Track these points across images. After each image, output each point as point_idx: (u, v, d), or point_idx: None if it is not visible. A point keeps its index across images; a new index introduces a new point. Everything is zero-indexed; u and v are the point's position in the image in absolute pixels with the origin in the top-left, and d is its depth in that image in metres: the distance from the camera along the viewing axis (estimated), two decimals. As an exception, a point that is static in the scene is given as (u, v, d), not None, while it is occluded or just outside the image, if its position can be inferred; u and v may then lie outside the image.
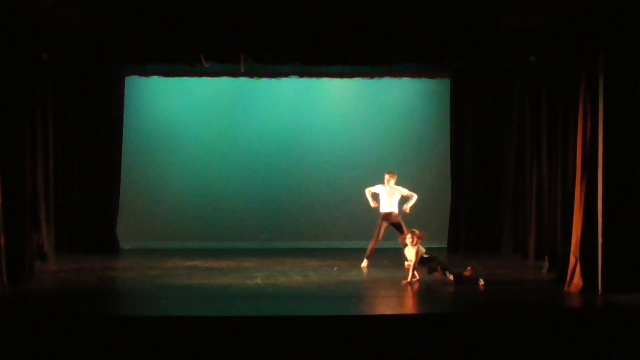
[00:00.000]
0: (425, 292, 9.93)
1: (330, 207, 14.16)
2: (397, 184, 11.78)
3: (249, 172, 14.22)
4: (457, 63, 12.60)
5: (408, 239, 10.34)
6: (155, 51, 11.10)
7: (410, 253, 10.33)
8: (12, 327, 7.60)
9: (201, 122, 14.18)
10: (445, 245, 13.80)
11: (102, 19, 10.08)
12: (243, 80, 13.68)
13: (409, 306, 9.21)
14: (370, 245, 11.78)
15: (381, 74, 13.81)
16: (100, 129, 13.41)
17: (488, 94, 13.69)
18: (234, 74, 13.28)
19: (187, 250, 13.22)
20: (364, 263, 11.70)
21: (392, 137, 14.29)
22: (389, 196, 11.71)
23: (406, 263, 10.66)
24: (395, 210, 11.72)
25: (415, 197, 11.70)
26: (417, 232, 10.41)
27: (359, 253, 11.96)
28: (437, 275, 10.38)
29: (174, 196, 14.08)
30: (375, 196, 11.80)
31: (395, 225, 11.67)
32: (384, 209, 11.73)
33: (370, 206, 11.77)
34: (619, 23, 9.20)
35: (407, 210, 11.65)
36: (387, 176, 11.75)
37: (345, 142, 14.24)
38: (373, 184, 11.87)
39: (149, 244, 13.77)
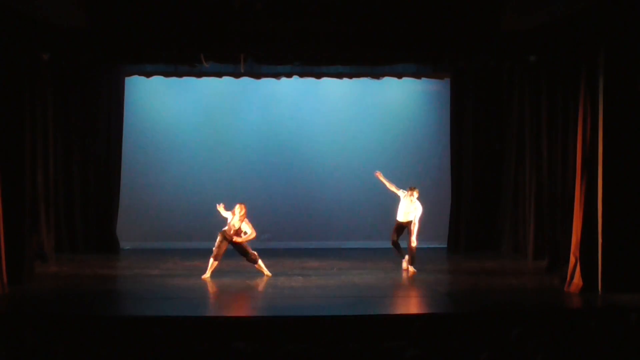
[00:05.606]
0: (425, 292, 9.93)
1: (330, 207, 14.13)
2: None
3: (249, 172, 14.19)
4: (457, 63, 12.62)
5: None
6: (155, 51, 11.11)
7: None
8: (12, 327, 7.59)
9: (201, 122, 14.15)
10: (445, 245, 13.79)
11: (102, 19, 10.08)
12: (243, 80, 13.66)
13: (408, 306, 9.21)
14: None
15: (381, 74, 13.79)
16: (100, 129, 13.40)
17: (488, 94, 13.67)
18: (234, 74, 13.27)
19: (187, 250, 13.19)
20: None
21: (392, 137, 14.26)
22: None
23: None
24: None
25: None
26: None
27: (358, 253, 11.96)
28: None
29: (174, 196, 14.04)
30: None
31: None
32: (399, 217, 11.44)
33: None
34: (619, 23, 9.20)
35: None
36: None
37: (345, 142, 14.21)
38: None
39: (149, 244, 13.74)
